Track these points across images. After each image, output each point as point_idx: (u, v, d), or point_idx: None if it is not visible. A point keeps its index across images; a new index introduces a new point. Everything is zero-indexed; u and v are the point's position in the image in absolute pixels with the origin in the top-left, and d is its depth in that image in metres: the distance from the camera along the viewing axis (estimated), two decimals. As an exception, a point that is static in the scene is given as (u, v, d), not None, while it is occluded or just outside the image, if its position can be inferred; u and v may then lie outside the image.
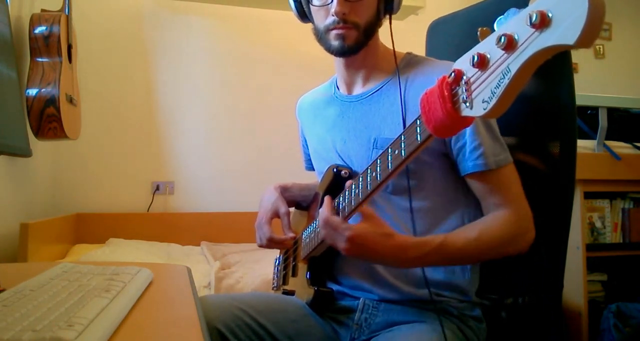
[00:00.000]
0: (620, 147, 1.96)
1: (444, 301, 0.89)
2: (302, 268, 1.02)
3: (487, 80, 0.47)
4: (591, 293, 1.93)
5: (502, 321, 1.00)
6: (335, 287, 0.97)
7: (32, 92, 1.75)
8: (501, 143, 0.86)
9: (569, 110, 0.94)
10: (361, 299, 0.93)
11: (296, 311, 0.96)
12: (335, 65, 1.01)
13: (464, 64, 0.50)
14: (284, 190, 1.11)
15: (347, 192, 0.81)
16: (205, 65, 2.81)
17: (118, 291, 0.60)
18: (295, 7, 0.97)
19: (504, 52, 0.45)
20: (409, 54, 0.97)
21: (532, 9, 0.41)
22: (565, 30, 0.38)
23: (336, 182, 0.95)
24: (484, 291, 0.95)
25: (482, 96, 0.47)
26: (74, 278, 0.66)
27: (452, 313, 0.89)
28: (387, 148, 0.71)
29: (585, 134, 1.94)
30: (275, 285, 1.16)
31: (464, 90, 0.50)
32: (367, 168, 0.76)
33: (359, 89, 0.99)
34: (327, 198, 0.83)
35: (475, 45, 0.49)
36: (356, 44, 0.90)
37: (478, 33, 0.49)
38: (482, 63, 0.47)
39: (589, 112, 1.94)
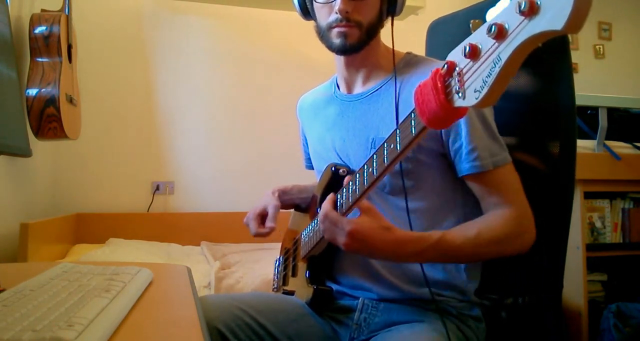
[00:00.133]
0: (620, 147, 1.96)
1: (443, 300, 0.89)
2: (301, 267, 1.02)
3: (479, 70, 0.47)
4: (591, 293, 1.93)
5: (502, 321, 1.00)
6: (334, 287, 0.97)
7: (32, 92, 1.75)
8: (500, 142, 0.86)
9: (569, 110, 0.94)
10: (360, 299, 0.93)
11: (296, 311, 0.96)
12: (336, 64, 1.01)
13: (456, 55, 0.51)
14: (282, 194, 1.11)
15: (344, 190, 0.81)
16: (205, 65, 2.81)
17: (118, 291, 0.60)
18: (299, 4, 0.98)
19: (495, 41, 0.45)
20: (408, 53, 0.98)
21: None
22: (553, 16, 0.39)
23: (334, 181, 0.95)
24: (484, 291, 0.95)
25: (474, 86, 0.48)
26: (74, 278, 0.66)
27: (452, 312, 0.89)
28: (383, 143, 0.71)
29: (585, 134, 1.94)
30: (275, 286, 1.16)
31: (457, 81, 0.50)
32: (364, 165, 0.76)
33: (359, 89, 0.99)
34: (331, 195, 0.83)
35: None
36: (358, 43, 0.90)
37: (470, 25, 0.50)
38: (473, 53, 0.47)
39: (589, 112, 1.94)
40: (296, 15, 1.01)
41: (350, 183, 0.79)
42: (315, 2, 0.93)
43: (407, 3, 0.94)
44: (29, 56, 1.81)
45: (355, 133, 0.96)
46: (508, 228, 0.81)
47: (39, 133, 1.77)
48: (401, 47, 0.96)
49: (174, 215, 2.66)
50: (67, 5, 1.97)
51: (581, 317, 1.79)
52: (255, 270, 1.90)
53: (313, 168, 1.15)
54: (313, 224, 0.96)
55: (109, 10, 2.66)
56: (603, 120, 1.89)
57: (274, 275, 1.19)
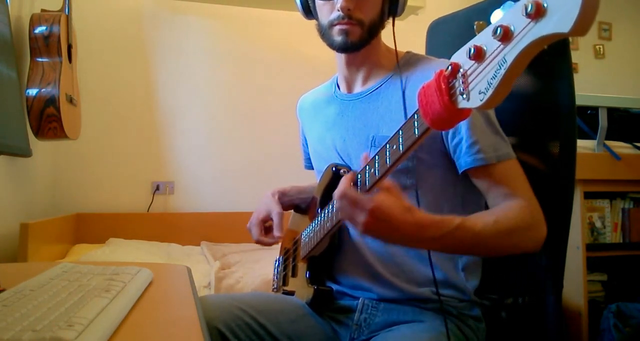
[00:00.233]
0: (620, 147, 1.96)
1: (443, 300, 0.89)
2: (301, 268, 1.02)
3: (484, 72, 0.47)
4: (591, 293, 1.93)
5: (502, 321, 1.00)
6: (334, 287, 0.97)
7: (32, 92, 1.75)
8: (503, 138, 0.85)
9: (569, 110, 0.94)
10: (360, 299, 0.93)
11: (296, 311, 0.96)
12: (337, 62, 1.01)
13: (460, 56, 0.51)
14: (282, 195, 1.11)
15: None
16: (205, 65, 2.81)
17: (118, 291, 0.60)
18: (301, 3, 0.98)
19: (500, 43, 0.45)
20: (408, 52, 0.98)
21: (527, 0, 0.42)
22: (560, 19, 0.39)
23: (335, 181, 0.95)
24: (484, 291, 0.95)
25: (479, 87, 0.48)
26: (74, 278, 0.66)
27: (452, 312, 0.89)
28: (386, 144, 0.71)
29: (585, 134, 1.94)
30: (275, 286, 1.16)
31: (461, 83, 0.50)
32: (364, 167, 0.76)
33: (359, 88, 0.99)
34: (349, 174, 0.77)
35: (473, 41, 0.50)
36: (359, 41, 0.90)
37: (475, 26, 0.49)
38: (478, 55, 0.47)
39: (589, 112, 1.94)
40: (296, 15, 1.01)
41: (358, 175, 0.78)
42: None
43: (407, 3, 0.94)
44: (29, 56, 1.81)
45: (356, 132, 0.96)
46: (522, 218, 0.78)
47: (39, 133, 1.77)
48: (401, 47, 0.96)
49: (174, 215, 2.66)
50: (67, 5, 1.97)
51: (581, 317, 1.79)
52: (255, 270, 1.90)
53: (313, 169, 1.15)
54: (313, 224, 0.96)
55: (109, 10, 2.66)
56: (603, 120, 1.89)
57: (274, 275, 1.19)
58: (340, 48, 0.92)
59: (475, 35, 0.49)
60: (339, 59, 0.99)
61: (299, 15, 1.01)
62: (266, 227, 1.08)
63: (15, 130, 0.89)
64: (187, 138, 2.76)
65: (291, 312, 0.95)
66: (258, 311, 0.92)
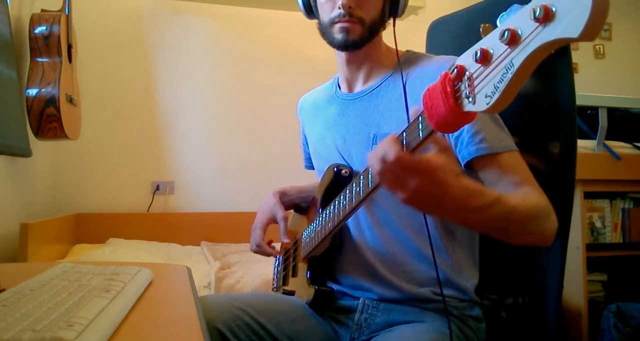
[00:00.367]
0: (620, 147, 1.96)
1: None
2: (302, 268, 1.02)
3: (490, 75, 0.47)
4: (591, 293, 1.93)
5: (502, 321, 1.00)
6: (335, 287, 0.97)
7: (32, 92, 1.75)
8: (506, 132, 0.84)
9: (569, 110, 0.94)
10: (361, 299, 0.93)
11: (296, 311, 0.96)
12: (338, 61, 1.01)
13: (466, 59, 0.50)
14: (282, 195, 1.11)
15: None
16: (205, 65, 2.81)
17: (118, 291, 0.60)
18: (302, 2, 0.98)
19: (507, 47, 0.45)
20: (408, 51, 0.98)
21: (535, 3, 0.42)
22: (569, 24, 0.39)
23: (336, 182, 0.95)
24: (484, 291, 0.95)
25: (485, 91, 0.48)
26: (74, 278, 0.66)
27: (452, 313, 0.89)
28: None
29: (585, 134, 1.94)
30: (275, 286, 1.16)
31: (467, 86, 0.50)
32: (368, 167, 0.76)
33: (359, 87, 0.99)
34: (395, 135, 0.64)
35: (475, 43, 0.49)
36: (360, 39, 0.90)
37: (480, 29, 0.49)
38: (485, 58, 0.47)
39: (589, 112, 1.94)
40: (296, 15, 1.01)
41: (354, 184, 0.78)
42: None
43: (408, 3, 0.94)
44: (29, 56, 1.81)
45: (356, 131, 0.96)
46: (545, 204, 0.76)
47: (39, 133, 1.77)
48: (401, 47, 0.96)
49: (174, 215, 2.66)
50: (67, 5, 1.97)
51: (581, 317, 1.79)
52: (255, 270, 1.90)
53: (312, 168, 1.15)
54: (314, 225, 0.96)
55: (109, 10, 2.66)
56: (603, 120, 1.89)
57: (274, 274, 1.20)
58: (341, 46, 0.92)
59: (479, 37, 0.49)
60: (340, 57, 0.99)
61: (298, 15, 1.01)
62: None
63: (15, 130, 0.89)
64: (187, 138, 2.76)
65: (291, 312, 0.95)
66: (258, 312, 0.92)
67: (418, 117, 0.60)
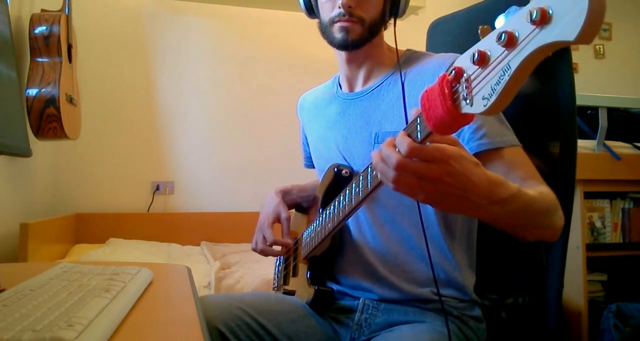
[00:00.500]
0: (620, 147, 1.96)
1: (444, 300, 0.89)
2: (302, 268, 1.02)
3: (488, 77, 0.47)
4: (591, 293, 1.93)
5: (502, 321, 1.00)
6: (335, 287, 0.97)
7: (32, 92, 1.75)
8: (507, 126, 0.84)
9: (569, 110, 0.94)
10: (361, 299, 0.93)
11: (296, 311, 0.96)
12: (338, 61, 1.01)
13: (464, 61, 0.50)
14: (284, 194, 1.11)
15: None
16: (205, 65, 2.81)
17: (118, 291, 0.60)
18: (303, 1, 0.98)
19: (504, 49, 0.45)
20: (408, 50, 0.98)
21: (532, 5, 0.41)
22: (565, 27, 0.39)
23: (337, 182, 0.95)
24: (484, 291, 0.95)
25: (483, 93, 0.47)
26: (74, 278, 0.66)
27: (452, 313, 0.89)
28: None
29: (585, 134, 1.94)
30: (276, 285, 1.16)
31: (464, 88, 0.50)
32: (367, 167, 0.76)
33: (360, 86, 0.99)
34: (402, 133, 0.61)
35: (475, 43, 0.49)
36: (360, 39, 0.90)
37: (479, 31, 0.49)
38: (482, 60, 0.47)
39: (589, 112, 1.94)
40: (296, 14, 1.01)
41: (354, 185, 0.78)
42: None
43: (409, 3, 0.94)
44: (29, 56, 1.81)
45: (357, 130, 0.96)
46: (552, 195, 0.74)
47: (39, 133, 1.77)
48: (402, 47, 0.96)
49: (174, 215, 2.66)
50: (67, 5, 1.97)
51: (581, 317, 1.79)
52: (255, 270, 1.90)
53: (312, 167, 1.15)
54: (315, 225, 0.96)
55: (108, 10, 2.66)
56: (603, 120, 1.89)
57: (275, 274, 1.20)
58: (341, 45, 0.92)
59: (478, 38, 0.49)
60: (340, 56, 0.99)
61: (298, 15, 1.01)
62: None
63: (15, 130, 0.89)
64: (187, 138, 2.76)
65: (291, 312, 0.95)
66: (258, 312, 0.92)
67: (416, 119, 0.60)
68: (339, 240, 0.97)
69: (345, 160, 0.98)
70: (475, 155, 0.78)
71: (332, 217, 0.87)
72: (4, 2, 0.95)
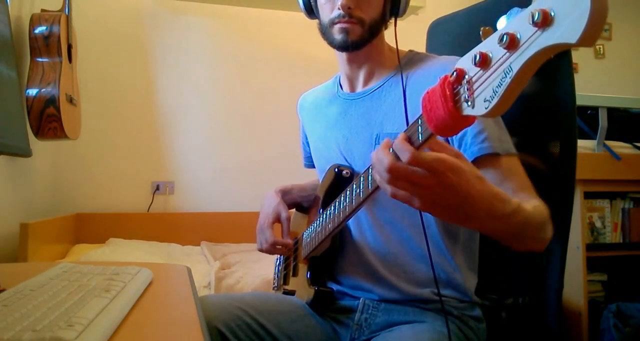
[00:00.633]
0: (620, 147, 1.96)
1: (444, 300, 0.89)
2: (302, 268, 1.02)
3: (489, 79, 0.47)
4: (591, 293, 1.93)
5: (502, 321, 1.00)
6: (335, 287, 0.97)
7: (32, 92, 1.75)
8: (506, 133, 0.84)
9: (569, 110, 0.94)
10: (361, 299, 0.93)
11: (296, 311, 0.96)
12: (338, 61, 1.01)
13: (465, 63, 0.50)
14: (284, 194, 1.10)
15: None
16: (205, 65, 2.81)
17: (118, 291, 0.60)
18: (303, 2, 0.98)
19: (506, 51, 0.45)
20: (411, 51, 0.98)
21: (534, 7, 0.41)
22: (567, 29, 0.38)
23: (337, 182, 0.95)
24: (484, 291, 0.95)
25: (484, 95, 0.47)
26: (74, 278, 0.66)
27: (452, 313, 0.89)
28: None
29: (585, 134, 1.94)
30: (276, 285, 1.17)
31: (466, 89, 0.50)
32: (367, 168, 0.76)
33: (361, 87, 0.99)
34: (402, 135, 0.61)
35: (476, 44, 0.49)
36: (360, 40, 0.90)
37: (481, 32, 0.49)
38: (484, 62, 0.47)
39: (589, 112, 1.94)
40: (296, 15, 1.01)
41: (354, 186, 0.79)
42: None
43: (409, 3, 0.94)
44: (29, 56, 1.81)
45: (359, 130, 0.96)
46: (545, 209, 0.74)
47: (39, 133, 1.77)
48: (402, 47, 0.96)
49: (174, 215, 2.66)
50: (67, 5, 1.97)
51: (581, 317, 1.79)
52: (255, 270, 1.90)
53: (312, 167, 1.15)
54: (315, 225, 0.96)
55: (108, 10, 2.66)
56: (603, 120, 1.89)
57: (275, 274, 1.20)
58: (340, 47, 0.92)
59: (479, 38, 0.49)
60: (340, 57, 0.99)
61: (298, 15, 1.01)
62: None
63: (15, 130, 0.89)
64: (187, 138, 2.76)
65: (291, 312, 0.95)
66: (258, 312, 0.92)
67: (417, 120, 0.59)
68: (339, 240, 0.97)
69: (346, 161, 0.98)
70: (476, 159, 0.79)
71: (332, 218, 0.87)
72: (4, 2, 0.95)
